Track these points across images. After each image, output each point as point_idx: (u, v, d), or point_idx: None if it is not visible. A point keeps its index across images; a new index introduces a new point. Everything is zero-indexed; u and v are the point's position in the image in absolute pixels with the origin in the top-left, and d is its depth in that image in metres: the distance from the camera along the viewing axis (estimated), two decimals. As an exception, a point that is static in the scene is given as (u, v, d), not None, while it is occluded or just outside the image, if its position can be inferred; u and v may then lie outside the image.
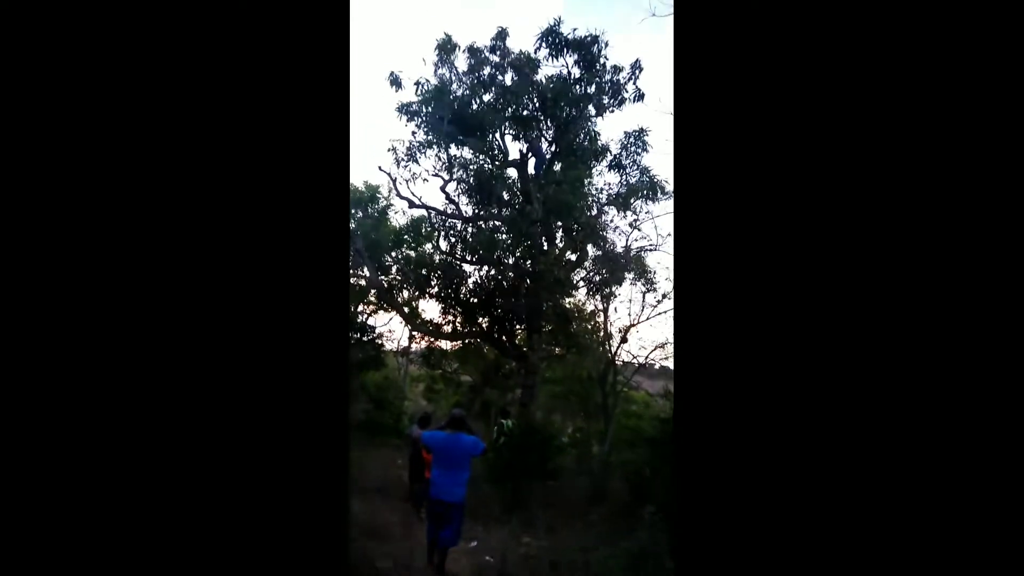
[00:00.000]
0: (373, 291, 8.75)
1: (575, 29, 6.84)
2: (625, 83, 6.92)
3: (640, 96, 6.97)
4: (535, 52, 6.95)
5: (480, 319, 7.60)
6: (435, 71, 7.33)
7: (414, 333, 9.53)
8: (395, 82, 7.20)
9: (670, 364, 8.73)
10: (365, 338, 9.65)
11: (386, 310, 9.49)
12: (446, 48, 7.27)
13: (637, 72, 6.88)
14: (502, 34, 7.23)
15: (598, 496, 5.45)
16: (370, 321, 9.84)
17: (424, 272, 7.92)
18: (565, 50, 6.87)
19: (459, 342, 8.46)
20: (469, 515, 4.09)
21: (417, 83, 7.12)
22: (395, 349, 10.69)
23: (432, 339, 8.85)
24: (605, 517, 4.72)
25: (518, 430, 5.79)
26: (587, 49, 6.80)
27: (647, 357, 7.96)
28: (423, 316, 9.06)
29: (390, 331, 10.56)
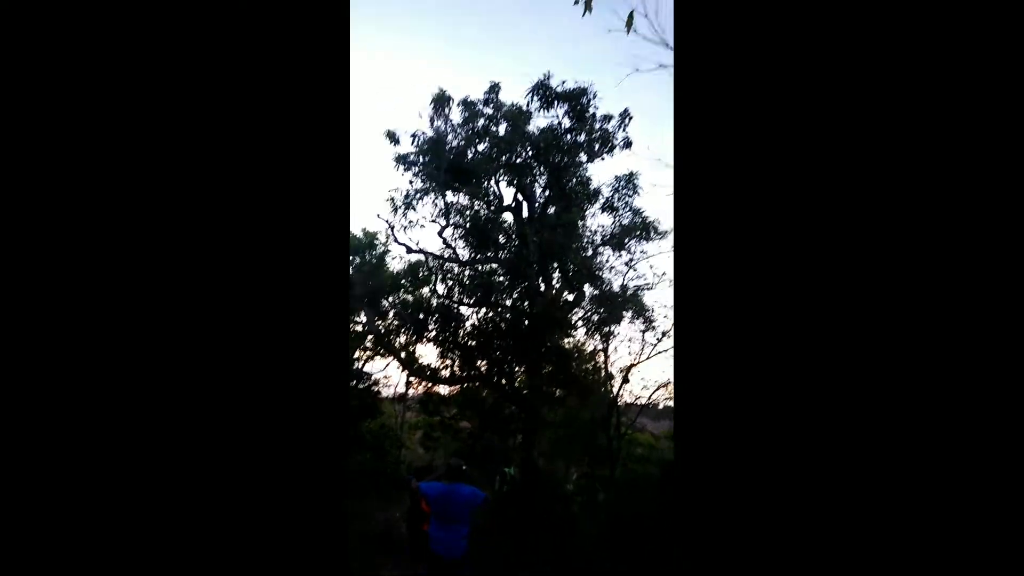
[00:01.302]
0: (370, 337, 8.69)
1: (564, 82, 7.24)
2: (615, 132, 7.24)
3: (628, 143, 7.28)
4: (527, 105, 7.31)
5: (479, 362, 7.52)
6: (431, 123, 7.67)
7: (411, 379, 9.37)
8: (392, 137, 7.51)
9: (674, 404, 8.58)
10: (361, 385, 9.47)
11: (383, 356, 9.38)
12: (441, 101, 7.64)
13: (626, 120, 7.22)
14: (495, 88, 7.62)
15: (605, 547, 5.19)
16: (366, 368, 9.70)
17: (421, 316, 7.91)
18: (556, 102, 7.23)
19: (457, 386, 8.32)
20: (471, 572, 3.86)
21: (413, 135, 7.43)
22: (392, 396, 10.46)
23: (430, 384, 8.70)
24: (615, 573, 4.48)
25: (520, 478, 5.59)
26: (577, 100, 7.16)
27: (650, 397, 7.83)
28: (420, 361, 8.96)
29: (386, 377, 10.40)
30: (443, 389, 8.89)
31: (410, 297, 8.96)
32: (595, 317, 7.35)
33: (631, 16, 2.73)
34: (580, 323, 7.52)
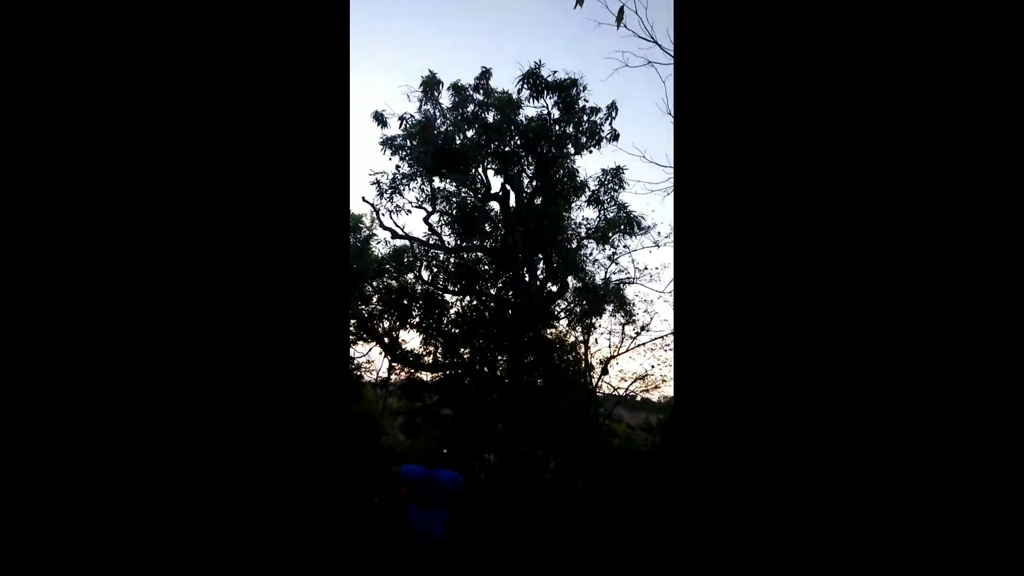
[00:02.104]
0: (353, 321, 8.63)
1: (555, 72, 7.19)
2: (601, 124, 7.24)
3: (615, 136, 7.29)
4: (517, 93, 7.25)
5: (462, 349, 7.55)
6: (420, 107, 7.55)
7: (394, 364, 9.35)
8: (380, 120, 7.38)
9: (651, 396, 8.75)
10: (343, 370, 9.40)
11: (365, 340, 9.33)
12: (431, 85, 7.52)
13: (613, 114, 7.22)
14: (485, 74, 7.53)
15: (582, 537, 5.32)
16: (349, 352, 9.64)
17: (405, 302, 7.89)
18: (546, 91, 7.18)
19: (440, 373, 8.35)
20: (448, 561, 3.93)
21: (402, 118, 7.31)
22: (374, 381, 10.44)
23: (412, 370, 8.71)
24: (591, 563, 4.60)
25: (500, 465, 5.67)
26: (567, 91, 7.13)
27: (627, 389, 7.99)
28: (404, 346, 8.94)
29: (369, 362, 10.33)
30: (425, 376, 8.92)
31: (394, 282, 8.91)
32: (577, 309, 7.42)
33: (621, 11, 2.72)
34: (563, 314, 7.59)
